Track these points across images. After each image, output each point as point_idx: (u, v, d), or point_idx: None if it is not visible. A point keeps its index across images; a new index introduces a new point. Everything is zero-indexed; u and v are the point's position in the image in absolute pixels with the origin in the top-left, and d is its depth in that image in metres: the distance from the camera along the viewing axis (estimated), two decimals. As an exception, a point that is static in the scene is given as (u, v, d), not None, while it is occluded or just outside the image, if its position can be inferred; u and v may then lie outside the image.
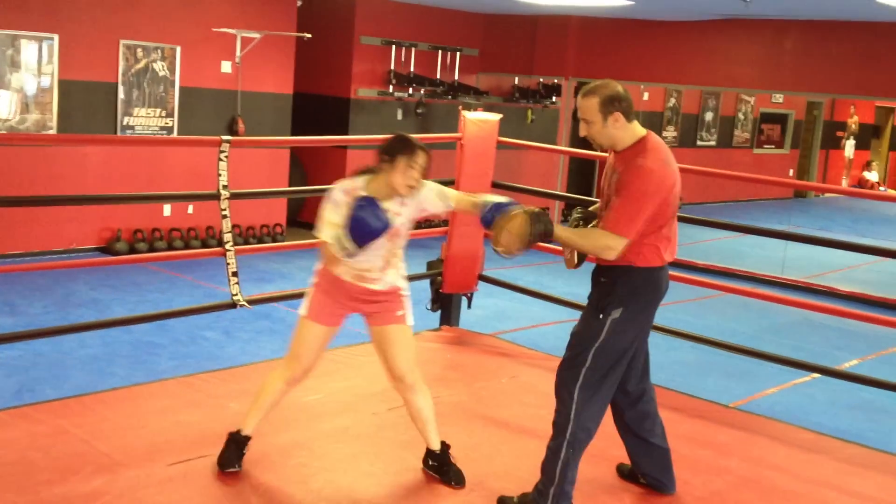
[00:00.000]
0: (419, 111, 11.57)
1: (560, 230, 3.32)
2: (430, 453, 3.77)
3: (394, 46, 11.33)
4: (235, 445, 3.66)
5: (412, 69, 11.52)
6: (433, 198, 3.57)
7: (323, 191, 5.26)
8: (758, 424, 4.67)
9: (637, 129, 3.33)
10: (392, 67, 11.35)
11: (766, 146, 18.14)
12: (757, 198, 17.41)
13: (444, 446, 3.76)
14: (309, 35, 10.18)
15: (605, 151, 3.49)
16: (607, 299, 3.36)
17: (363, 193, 3.39)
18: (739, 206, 16.42)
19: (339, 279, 3.52)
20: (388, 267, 3.55)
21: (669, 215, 3.33)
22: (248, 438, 3.67)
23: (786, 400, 5.94)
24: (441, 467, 3.74)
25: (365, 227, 3.28)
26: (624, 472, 3.88)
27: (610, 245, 3.23)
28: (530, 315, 7.59)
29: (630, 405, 3.64)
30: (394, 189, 3.42)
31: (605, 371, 3.38)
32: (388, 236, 3.41)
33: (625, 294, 3.34)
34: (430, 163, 3.42)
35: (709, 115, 16.45)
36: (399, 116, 11.69)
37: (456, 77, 11.99)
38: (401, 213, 3.48)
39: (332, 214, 3.40)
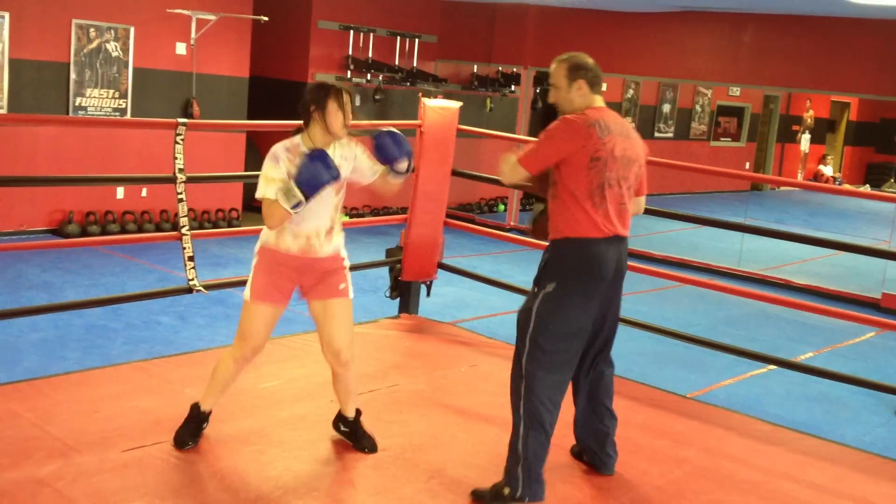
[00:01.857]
0: (377, 97, 11.49)
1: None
2: (343, 419, 3.87)
3: (352, 31, 11.23)
4: (195, 423, 3.69)
5: (370, 55, 11.44)
6: (367, 162, 3.65)
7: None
8: (715, 415, 4.72)
9: (597, 101, 3.50)
10: (350, 53, 11.26)
11: (722, 139, 18.35)
12: (713, 190, 17.62)
13: (358, 413, 3.86)
14: (266, 18, 10.04)
15: None
16: (542, 272, 3.45)
17: (305, 149, 3.44)
18: (696, 198, 16.58)
19: (283, 254, 3.52)
20: (333, 230, 3.59)
21: (597, 182, 3.35)
22: (207, 415, 3.70)
23: (742, 391, 6.01)
24: (353, 433, 3.85)
25: (317, 176, 3.32)
26: (573, 452, 3.92)
27: (507, 163, 3.48)
28: (489, 304, 7.60)
29: (584, 378, 3.70)
30: (333, 134, 3.46)
31: (551, 346, 3.37)
32: (335, 188, 3.50)
33: (558, 267, 3.39)
34: (353, 100, 3.52)
35: (666, 107, 16.60)
36: (357, 102, 11.58)
37: (415, 64, 11.93)
38: (342, 165, 3.53)
39: (273, 171, 3.40)
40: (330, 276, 3.61)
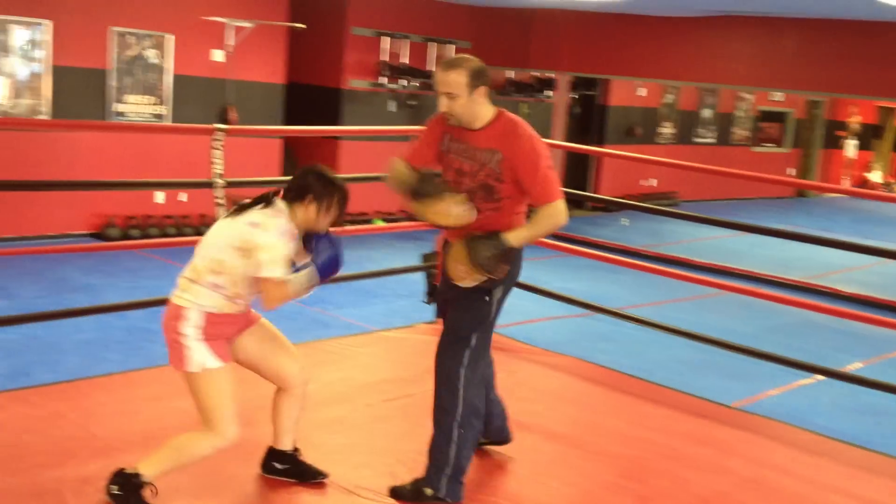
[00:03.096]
0: (410, 103, 11.49)
1: (516, 238, 3.29)
2: (279, 455, 3.49)
3: (386, 38, 11.25)
4: (136, 497, 3.09)
5: (404, 60, 11.44)
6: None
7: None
8: (759, 425, 4.62)
9: (491, 106, 3.35)
10: (384, 58, 11.27)
11: (765, 144, 18.10)
12: (756, 196, 17.37)
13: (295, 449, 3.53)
14: (302, 25, 10.09)
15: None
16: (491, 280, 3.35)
17: (294, 228, 3.14)
18: (738, 204, 16.35)
19: (230, 316, 3.15)
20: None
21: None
22: (146, 483, 3.12)
23: (787, 402, 5.89)
24: (296, 468, 3.50)
25: (338, 264, 3.16)
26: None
27: (560, 209, 3.27)
28: (524, 310, 7.53)
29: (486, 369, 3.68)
30: (315, 227, 3.18)
31: (484, 348, 3.45)
32: None
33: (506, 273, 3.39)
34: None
35: (706, 112, 16.40)
36: (391, 107, 11.60)
37: (450, 69, 11.89)
38: None
39: (287, 248, 3.08)
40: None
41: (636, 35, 11.11)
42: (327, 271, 3.16)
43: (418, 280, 5.93)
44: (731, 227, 5.52)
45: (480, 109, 3.30)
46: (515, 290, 6.31)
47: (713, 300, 8.50)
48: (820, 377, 5.98)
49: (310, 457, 3.68)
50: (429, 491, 3.39)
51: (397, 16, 11.38)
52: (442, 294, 3.63)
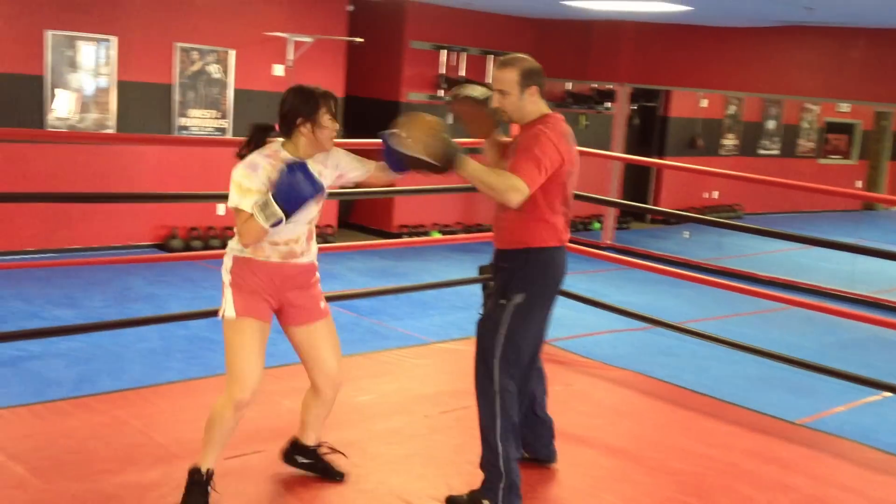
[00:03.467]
0: (471, 115, 11.50)
1: (468, 160, 3.23)
2: (302, 449, 3.58)
3: (444, 51, 11.29)
4: (198, 488, 3.21)
5: (462, 73, 11.47)
6: (351, 162, 3.39)
7: (374, 193, 5.22)
8: (824, 442, 4.51)
9: (544, 107, 3.41)
10: (442, 72, 11.32)
11: (831, 156, 17.70)
12: (822, 209, 16.98)
13: (318, 444, 3.59)
14: (361, 40, 10.18)
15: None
16: (510, 284, 3.37)
17: (287, 157, 3.16)
18: (803, 217, 15.99)
19: (263, 265, 3.21)
20: (312, 237, 3.32)
21: (565, 194, 3.38)
22: (211, 474, 3.24)
23: (854, 419, 5.72)
24: (317, 464, 3.58)
25: (298, 192, 3.04)
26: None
27: (517, 186, 3.16)
28: (584, 322, 7.47)
29: (525, 383, 3.63)
30: (319, 146, 3.21)
31: (516, 357, 3.39)
32: (316, 200, 3.20)
33: (526, 278, 3.36)
34: (336, 104, 3.26)
35: (771, 124, 16.10)
36: (449, 120, 11.62)
37: (509, 82, 11.89)
38: (323, 175, 3.26)
39: (249, 180, 3.09)
40: (307, 292, 3.34)
41: (699, 46, 10.98)
42: (282, 197, 3.04)
43: (475, 292, 5.92)
44: (795, 240, 5.40)
45: (529, 107, 3.36)
46: (575, 304, 6.33)
47: (777, 315, 8.32)
48: (887, 394, 5.81)
49: (367, 467, 3.70)
50: (486, 503, 3.38)
51: (455, 29, 11.42)
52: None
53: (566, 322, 7.55)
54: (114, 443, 3.78)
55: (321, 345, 3.38)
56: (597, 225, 12.78)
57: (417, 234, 10.93)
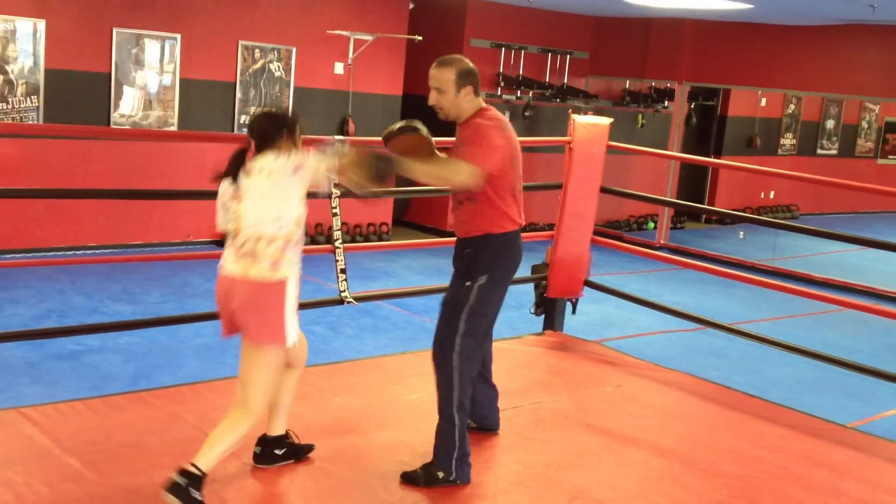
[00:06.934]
0: (527, 114, 11.52)
1: (409, 163, 3.32)
2: (276, 440, 3.64)
3: (503, 49, 11.31)
4: (194, 484, 3.16)
5: (521, 72, 11.48)
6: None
7: (428, 192, 5.29)
8: (877, 446, 4.45)
9: (480, 102, 3.60)
10: (501, 70, 11.34)
11: (891, 156, 17.33)
12: (880, 210, 16.63)
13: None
14: (420, 38, 10.26)
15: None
16: (472, 267, 3.58)
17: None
18: (861, 218, 15.68)
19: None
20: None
21: (512, 182, 3.58)
22: (204, 476, 3.19)
23: (907, 423, 5.64)
24: (291, 451, 3.67)
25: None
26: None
27: (463, 169, 3.37)
28: (636, 323, 7.45)
29: (482, 354, 3.82)
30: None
31: (477, 335, 3.60)
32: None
33: (488, 261, 3.58)
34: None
35: (830, 123, 15.82)
36: (508, 119, 11.63)
37: (565, 80, 11.88)
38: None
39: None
40: None
41: (758, 44, 10.84)
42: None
43: (527, 291, 5.95)
44: (851, 241, 5.34)
45: (466, 105, 3.55)
46: (628, 304, 6.32)
47: (831, 316, 8.19)
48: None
49: (417, 464, 3.74)
50: (440, 474, 3.58)
51: (515, 27, 11.43)
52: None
53: (618, 322, 7.54)
54: (168, 437, 3.84)
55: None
56: (651, 224, 12.70)
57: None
